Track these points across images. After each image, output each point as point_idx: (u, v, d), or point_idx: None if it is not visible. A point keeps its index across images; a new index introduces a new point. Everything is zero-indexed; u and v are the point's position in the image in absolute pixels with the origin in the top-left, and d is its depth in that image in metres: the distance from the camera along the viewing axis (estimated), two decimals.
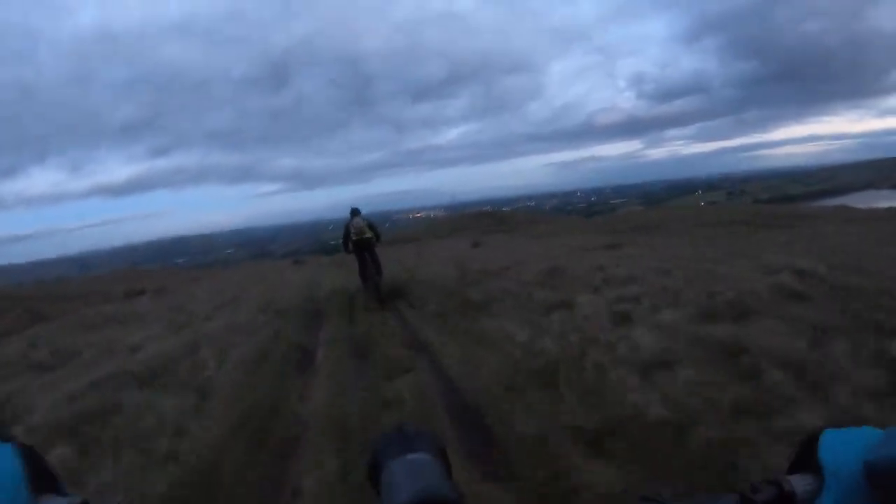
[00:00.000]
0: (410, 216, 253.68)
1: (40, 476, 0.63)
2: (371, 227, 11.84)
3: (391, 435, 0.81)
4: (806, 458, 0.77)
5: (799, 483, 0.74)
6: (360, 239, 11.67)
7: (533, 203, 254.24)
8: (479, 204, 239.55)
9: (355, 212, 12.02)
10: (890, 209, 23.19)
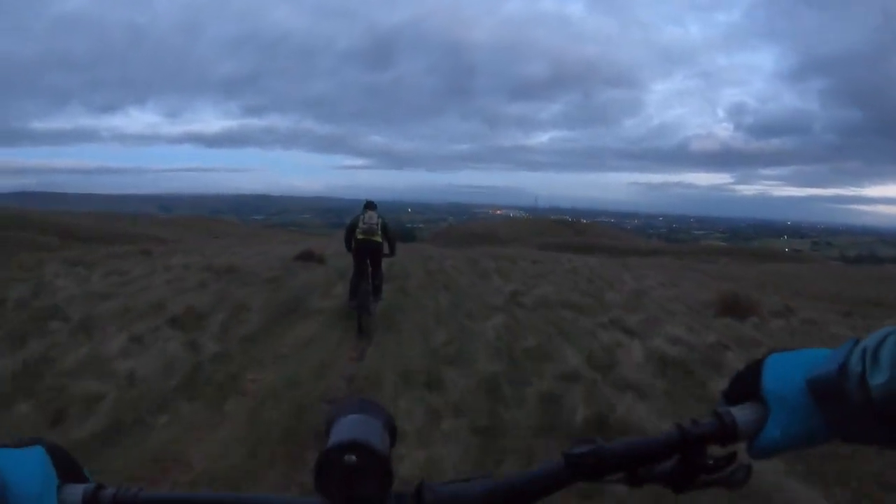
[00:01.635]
0: (490, 212, 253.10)
1: (66, 469, 0.72)
2: (385, 229, 9.09)
3: (346, 403, 0.87)
4: (750, 386, 0.75)
5: (741, 413, 0.73)
6: (367, 240, 8.88)
7: (612, 220, 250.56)
8: (559, 211, 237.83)
9: (370, 205, 9.32)
10: None
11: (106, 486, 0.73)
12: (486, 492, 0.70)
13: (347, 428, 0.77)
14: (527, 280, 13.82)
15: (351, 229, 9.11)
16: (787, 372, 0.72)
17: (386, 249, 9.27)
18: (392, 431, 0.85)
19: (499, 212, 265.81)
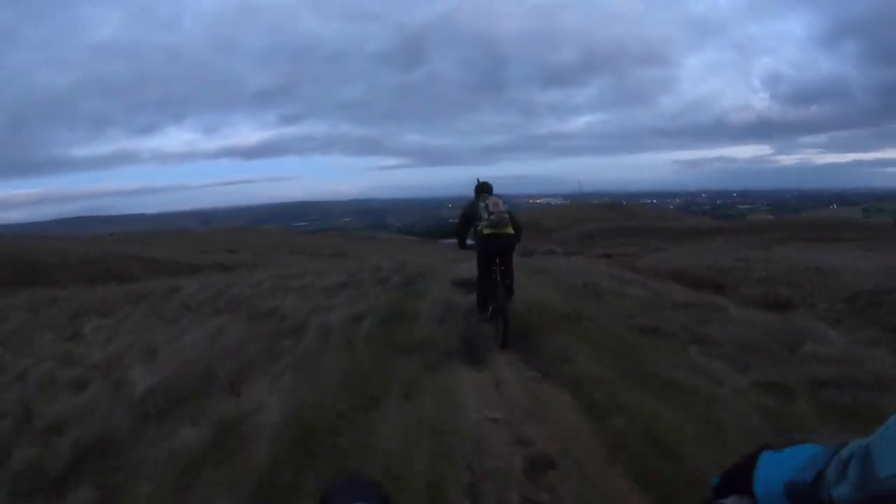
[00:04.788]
0: (530, 201, 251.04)
1: None
2: (512, 218, 7.01)
3: (340, 484, 0.89)
4: (741, 481, 0.79)
5: None
6: (497, 234, 6.85)
7: (654, 200, 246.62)
8: (601, 195, 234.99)
9: (486, 187, 7.41)
10: None
11: None
12: None
13: None
14: None
15: (466, 220, 7.31)
16: (774, 472, 0.75)
17: None
18: None
19: (538, 200, 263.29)
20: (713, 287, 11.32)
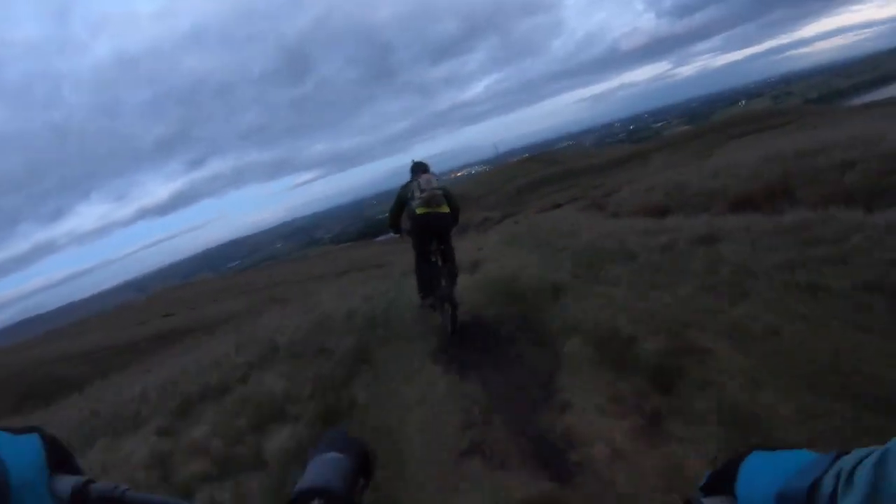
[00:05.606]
0: (452, 175, 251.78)
1: (60, 459, 0.76)
2: (448, 195, 6.68)
3: (328, 435, 0.91)
4: (727, 482, 0.77)
5: None
6: (430, 213, 6.48)
7: (572, 142, 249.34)
8: (520, 151, 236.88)
9: (421, 167, 7.03)
10: None
11: (95, 480, 0.76)
12: None
13: (314, 472, 0.82)
14: None
15: (400, 203, 6.90)
16: (762, 476, 0.71)
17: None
18: (366, 467, 0.88)
19: (459, 174, 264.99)
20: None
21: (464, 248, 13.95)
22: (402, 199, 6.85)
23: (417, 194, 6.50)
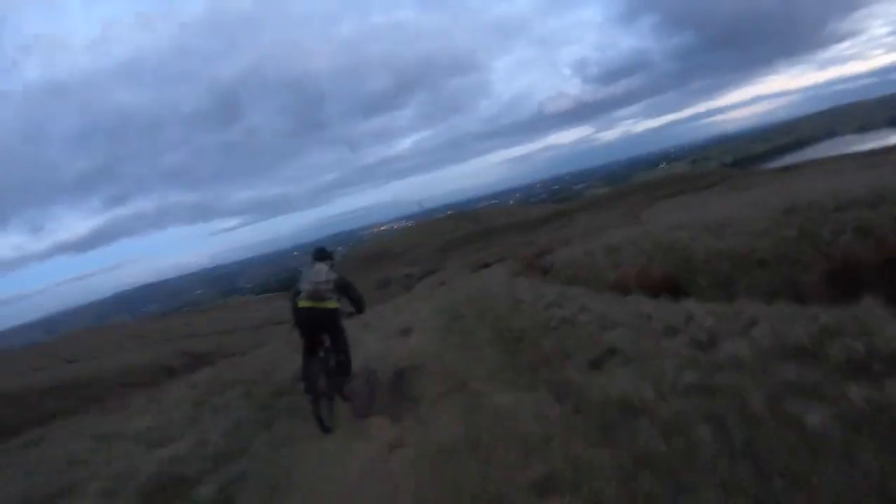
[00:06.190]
0: (375, 230, 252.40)
1: None
2: (344, 286, 6.62)
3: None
4: None
5: None
6: (312, 307, 6.40)
7: (495, 201, 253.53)
8: (444, 209, 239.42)
9: (319, 254, 6.87)
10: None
11: None
12: None
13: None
14: None
15: (295, 293, 6.61)
16: None
17: (349, 308, 6.85)
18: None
19: (382, 228, 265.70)
20: None
21: (386, 316, 13.61)
22: (296, 290, 6.63)
23: (304, 285, 6.43)
